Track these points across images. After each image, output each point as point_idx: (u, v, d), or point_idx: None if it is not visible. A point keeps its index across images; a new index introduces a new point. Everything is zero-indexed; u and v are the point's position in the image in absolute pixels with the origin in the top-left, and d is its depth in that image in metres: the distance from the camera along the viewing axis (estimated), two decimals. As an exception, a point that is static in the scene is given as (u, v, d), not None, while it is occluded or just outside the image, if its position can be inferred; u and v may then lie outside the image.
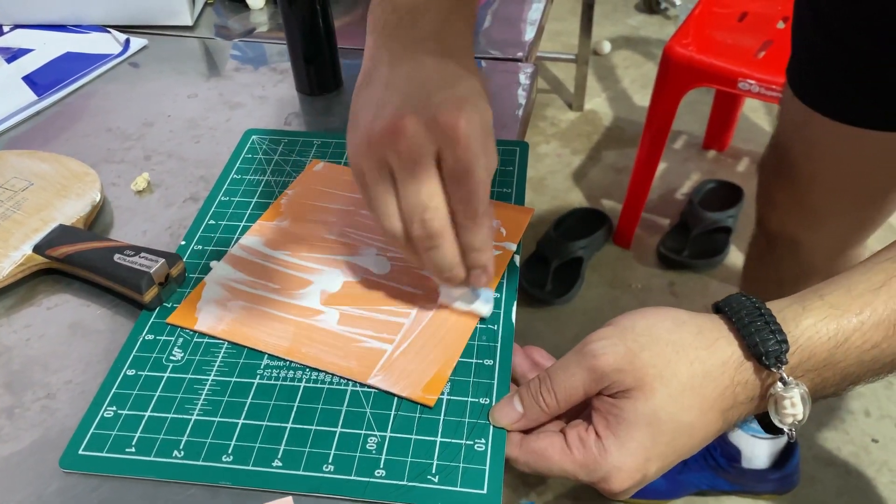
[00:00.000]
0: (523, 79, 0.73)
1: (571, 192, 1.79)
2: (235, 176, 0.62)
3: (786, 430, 0.41)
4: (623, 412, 0.40)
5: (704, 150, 1.89)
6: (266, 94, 0.73)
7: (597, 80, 2.13)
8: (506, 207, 0.58)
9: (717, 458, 1.21)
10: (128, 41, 0.80)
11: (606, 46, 2.22)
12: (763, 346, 0.39)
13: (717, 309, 0.43)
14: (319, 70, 0.71)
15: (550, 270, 1.56)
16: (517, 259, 0.55)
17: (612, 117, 2.01)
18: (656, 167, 1.55)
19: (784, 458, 1.21)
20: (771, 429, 0.43)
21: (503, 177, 0.61)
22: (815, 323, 0.40)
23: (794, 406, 0.40)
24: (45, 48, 0.80)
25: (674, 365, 0.40)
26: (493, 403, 0.45)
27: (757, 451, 1.20)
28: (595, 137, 1.95)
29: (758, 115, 1.98)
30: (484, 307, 0.50)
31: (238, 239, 0.56)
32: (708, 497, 1.27)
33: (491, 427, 0.44)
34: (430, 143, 0.42)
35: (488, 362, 0.47)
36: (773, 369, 0.40)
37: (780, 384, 0.40)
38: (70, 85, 0.75)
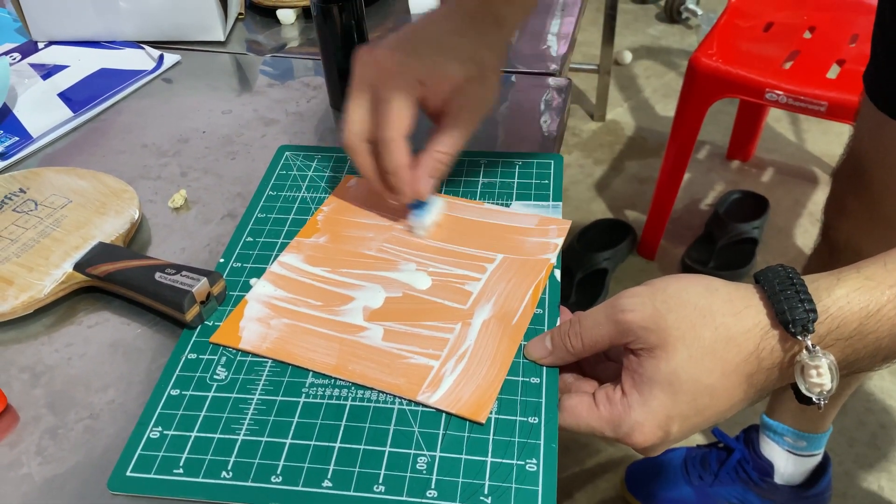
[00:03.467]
0: (557, 93, 0.72)
1: (594, 203, 1.78)
2: (271, 193, 0.62)
3: (814, 399, 0.42)
4: (646, 371, 0.42)
5: (728, 160, 1.87)
6: (300, 110, 0.73)
7: (618, 90, 2.13)
8: (542, 220, 0.58)
9: (750, 472, 1.19)
10: (161, 57, 0.81)
11: (627, 56, 2.21)
12: (791, 313, 0.40)
13: (756, 279, 0.44)
14: (353, 85, 0.71)
15: (574, 282, 1.55)
16: (557, 274, 0.54)
17: (635, 127, 2.01)
18: (682, 178, 1.54)
19: (817, 474, 1.19)
20: (802, 399, 0.43)
21: (539, 189, 0.61)
22: (848, 293, 0.41)
23: (820, 376, 0.41)
24: (80, 64, 0.80)
25: (698, 329, 0.41)
26: (543, 423, 0.44)
27: (791, 467, 1.17)
28: (617, 147, 1.95)
29: (782, 125, 1.97)
30: (414, 221, 0.57)
31: (277, 256, 0.56)
32: (738, 512, 1.25)
33: (542, 447, 0.43)
34: (372, 75, 0.53)
35: (535, 380, 0.47)
36: (800, 337, 0.40)
37: (805, 353, 0.41)
38: (105, 101, 0.75)
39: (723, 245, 1.60)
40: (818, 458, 1.19)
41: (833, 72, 1.35)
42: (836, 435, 1.30)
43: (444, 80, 0.54)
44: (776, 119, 1.97)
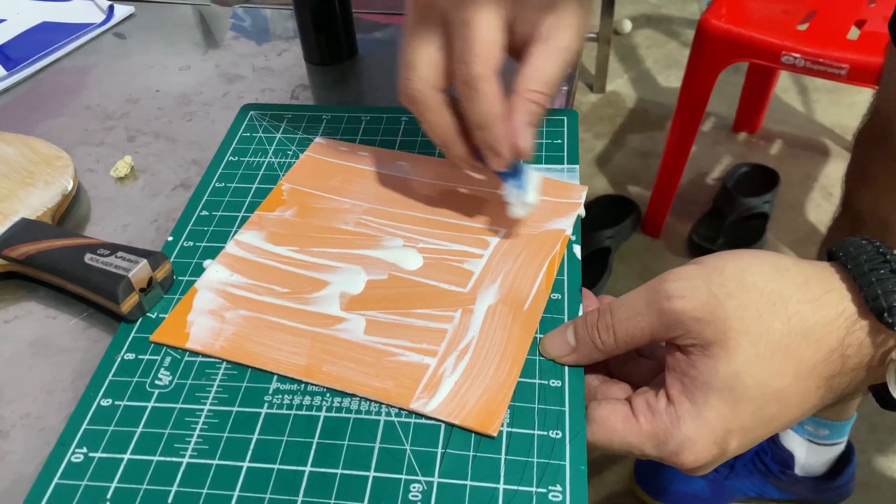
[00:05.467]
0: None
1: (596, 179, 1.69)
2: (231, 158, 0.52)
3: None
4: (700, 373, 0.34)
5: (735, 132, 1.78)
6: (269, 65, 0.63)
7: (618, 61, 2.03)
8: (554, 186, 0.48)
9: (768, 464, 1.11)
10: (111, 8, 0.71)
11: (627, 25, 2.11)
12: (886, 299, 0.31)
13: (831, 256, 0.35)
14: (331, 37, 0.61)
15: (576, 262, 1.46)
16: (577, 249, 0.45)
17: (636, 99, 1.91)
18: (689, 150, 1.45)
19: (840, 465, 1.11)
20: (888, 404, 0.35)
21: (551, 151, 0.51)
22: None
23: None
24: (19, 18, 0.70)
25: (766, 319, 0.33)
26: (567, 438, 0.35)
27: (812, 457, 1.09)
28: (618, 120, 1.85)
29: (790, 96, 1.87)
30: (514, 196, 0.43)
31: (235, 234, 0.46)
32: (755, 505, 1.17)
33: (568, 469, 0.34)
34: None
35: (555, 383, 0.37)
36: None
37: None
38: (45, 58, 0.65)
39: (732, 221, 1.52)
40: (841, 447, 1.11)
41: (853, 34, 1.26)
42: (856, 421, 1.22)
43: None
44: (784, 89, 1.88)
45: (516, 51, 0.42)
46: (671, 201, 1.53)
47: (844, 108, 1.82)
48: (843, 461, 1.11)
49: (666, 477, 1.17)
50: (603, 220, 1.54)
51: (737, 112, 1.78)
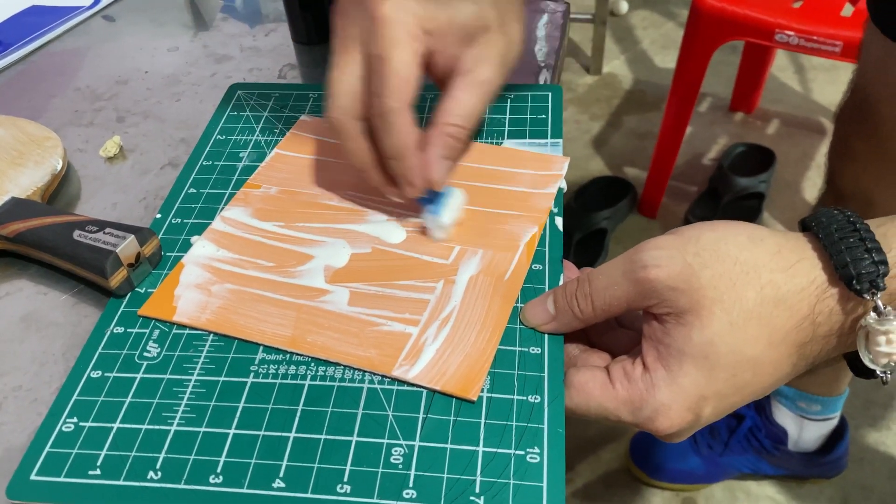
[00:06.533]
0: (555, 17, 0.63)
1: (592, 161, 1.69)
2: (219, 137, 0.53)
3: (878, 371, 0.34)
4: (675, 341, 0.34)
5: (731, 112, 1.78)
6: (257, 45, 0.63)
7: (614, 42, 2.02)
8: (535, 158, 0.49)
9: (762, 440, 1.12)
10: (99, -9, 0.71)
11: (624, 6, 2.11)
12: (855, 266, 0.32)
13: (805, 226, 0.36)
14: (319, 15, 0.61)
15: (572, 243, 1.47)
16: (559, 222, 0.45)
17: (633, 80, 1.91)
18: (684, 131, 1.45)
19: (833, 440, 1.12)
20: (861, 371, 0.35)
21: (535, 126, 0.52)
22: None
23: (890, 343, 0.32)
24: (7, 1, 0.71)
25: (739, 288, 0.34)
26: (546, 402, 0.36)
27: (805, 433, 1.10)
28: (615, 102, 1.85)
29: (786, 75, 1.87)
30: (430, 220, 0.44)
31: (221, 210, 0.47)
32: (749, 481, 1.18)
33: (546, 432, 0.35)
34: (360, 28, 0.41)
35: (535, 350, 0.38)
36: (866, 296, 0.32)
37: (873, 315, 0.32)
38: (35, 41, 0.66)
39: (728, 201, 1.52)
40: (834, 423, 1.12)
41: (847, 11, 1.26)
42: (851, 397, 1.23)
43: (455, 28, 0.41)
44: (780, 68, 1.88)
45: (440, 82, 0.44)
46: (667, 182, 1.53)
47: (841, 86, 1.80)
48: (837, 437, 1.12)
49: (661, 455, 1.18)
50: (599, 201, 1.54)
51: (733, 92, 1.78)
